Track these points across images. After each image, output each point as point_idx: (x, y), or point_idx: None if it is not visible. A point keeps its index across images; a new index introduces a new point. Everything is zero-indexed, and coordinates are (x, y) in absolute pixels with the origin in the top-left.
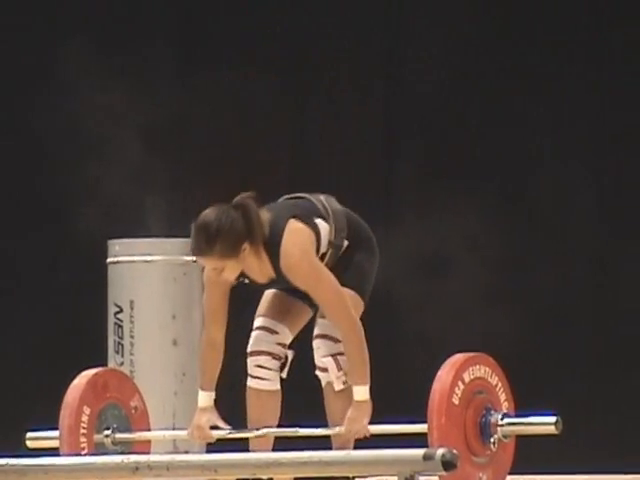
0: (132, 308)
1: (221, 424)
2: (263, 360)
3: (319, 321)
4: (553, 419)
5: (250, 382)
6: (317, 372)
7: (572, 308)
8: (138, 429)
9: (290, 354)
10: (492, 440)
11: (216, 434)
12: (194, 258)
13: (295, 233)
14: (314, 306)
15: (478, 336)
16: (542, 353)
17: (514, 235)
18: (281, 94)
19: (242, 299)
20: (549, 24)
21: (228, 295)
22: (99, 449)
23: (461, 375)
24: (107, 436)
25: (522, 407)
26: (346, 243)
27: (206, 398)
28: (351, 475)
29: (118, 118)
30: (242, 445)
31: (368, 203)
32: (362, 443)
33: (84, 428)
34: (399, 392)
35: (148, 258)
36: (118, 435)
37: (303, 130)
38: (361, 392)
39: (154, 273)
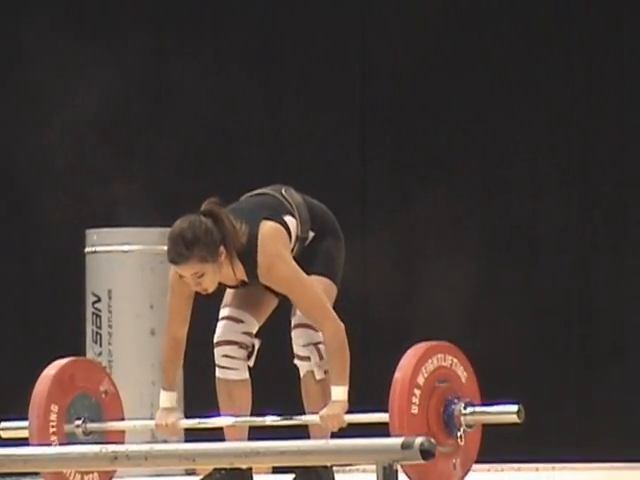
0: (110, 297)
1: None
2: (229, 349)
3: (298, 311)
4: (515, 408)
5: (218, 373)
6: (296, 361)
7: (545, 300)
8: (111, 414)
9: (257, 342)
10: (458, 431)
11: (184, 423)
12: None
13: (269, 239)
14: (279, 294)
15: (454, 326)
16: (517, 345)
17: (489, 227)
18: (256, 90)
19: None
20: (521, 13)
21: (192, 299)
22: (71, 439)
23: (423, 364)
24: (78, 426)
25: (495, 397)
26: (312, 234)
27: (170, 398)
28: (329, 464)
29: (92, 108)
30: (220, 435)
31: (343, 199)
32: (340, 432)
33: (53, 426)
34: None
35: (126, 248)
36: (89, 425)
37: (278, 122)
38: (339, 392)
39: (132, 263)
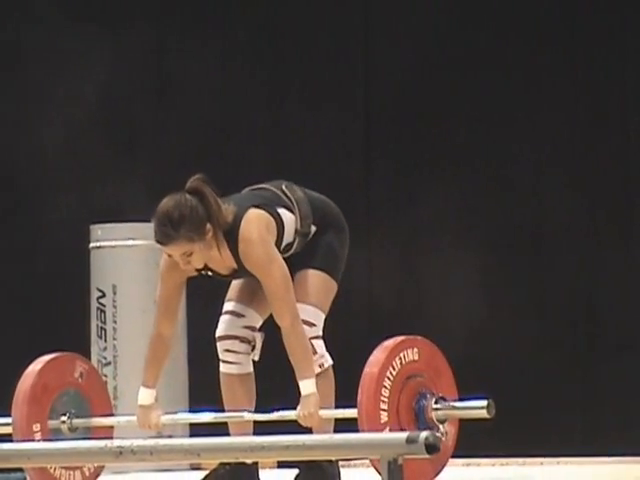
0: (115, 293)
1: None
2: (231, 344)
3: None
4: (484, 403)
5: (222, 367)
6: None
7: (549, 294)
8: (94, 397)
9: (260, 336)
10: (439, 428)
11: (166, 419)
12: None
13: (253, 220)
14: None
15: (458, 321)
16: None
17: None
18: (259, 88)
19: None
20: (524, 11)
21: (183, 290)
22: (57, 436)
23: (394, 358)
24: (63, 422)
25: (500, 395)
26: (314, 229)
27: (150, 395)
28: (334, 458)
29: (95, 104)
30: (225, 430)
31: (347, 197)
32: (345, 427)
33: (37, 429)
34: None
35: (130, 243)
36: (75, 420)
37: (281, 120)
38: (307, 386)
39: (136, 257)
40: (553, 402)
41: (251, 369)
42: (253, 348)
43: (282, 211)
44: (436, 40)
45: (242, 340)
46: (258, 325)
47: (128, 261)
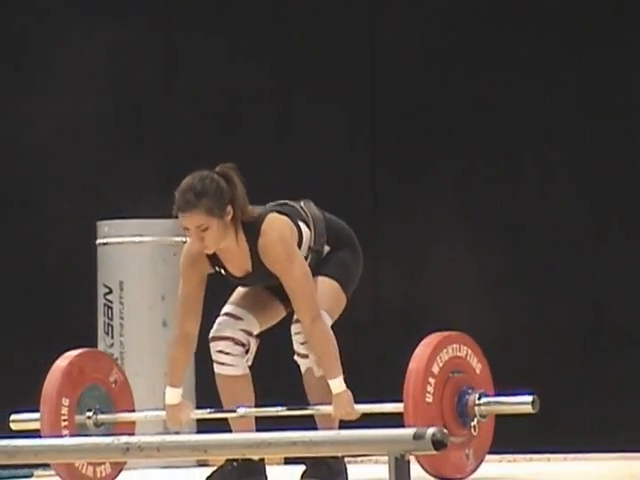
0: (122, 289)
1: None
2: (223, 345)
3: None
4: (530, 398)
5: (215, 368)
6: (296, 358)
7: (557, 290)
8: (121, 405)
9: (254, 342)
10: (471, 422)
11: (196, 414)
12: (184, 239)
13: (277, 220)
14: (289, 305)
15: (466, 318)
16: (530, 335)
17: (499, 217)
18: (266, 82)
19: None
20: (535, 4)
21: (204, 288)
22: (82, 431)
23: (438, 354)
24: (89, 417)
25: (507, 388)
26: (327, 249)
27: (177, 395)
28: (340, 455)
29: (102, 98)
30: (229, 428)
31: (354, 189)
32: (351, 423)
33: (65, 419)
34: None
35: (137, 239)
36: (100, 416)
37: (288, 115)
38: (337, 385)
39: (143, 254)
40: (560, 398)
41: (247, 371)
42: (247, 352)
43: (302, 225)
44: (444, 34)
45: (237, 342)
46: (255, 332)
47: (135, 257)
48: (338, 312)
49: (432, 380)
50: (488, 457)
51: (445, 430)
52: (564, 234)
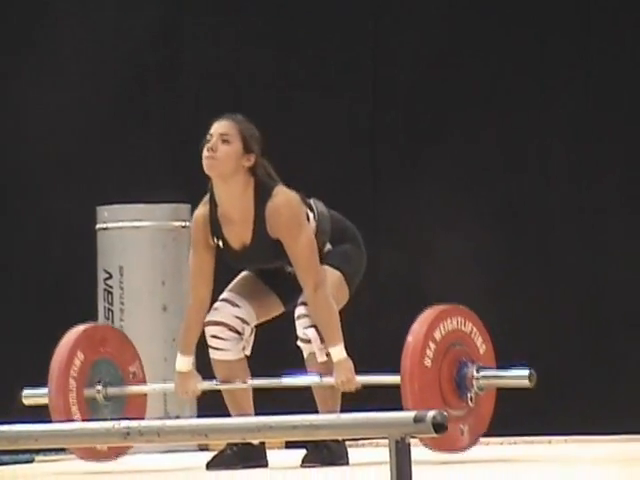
0: (122, 274)
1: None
2: (217, 330)
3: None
4: (526, 372)
5: (210, 353)
6: (299, 343)
7: (562, 272)
8: (134, 396)
9: (249, 330)
10: (469, 393)
11: (203, 386)
12: (183, 223)
13: (289, 191)
14: (287, 302)
15: (465, 301)
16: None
17: (500, 193)
18: (269, 68)
19: None
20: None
21: (214, 254)
22: (92, 406)
23: (436, 327)
24: (99, 392)
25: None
26: (329, 247)
27: (187, 362)
28: (341, 438)
29: (104, 83)
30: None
31: (355, 179)
32: (352, 406)
33: (75, 371)
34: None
35: (137, 224)
36: (110, 389)
37: (290, 100)
38: (337, 352)
39: (143, 239)
40: (561, 380)
41: (242, 356)
42: (242, 339)
43: (309, 213)
44: (447, 26)
45: (230, 329)
46: (250, 321)
47: (135, 242)
48: (340, 303)
49: (433, 345)
50: (489, 440)
51: (445, 413)
52: (563, 215)
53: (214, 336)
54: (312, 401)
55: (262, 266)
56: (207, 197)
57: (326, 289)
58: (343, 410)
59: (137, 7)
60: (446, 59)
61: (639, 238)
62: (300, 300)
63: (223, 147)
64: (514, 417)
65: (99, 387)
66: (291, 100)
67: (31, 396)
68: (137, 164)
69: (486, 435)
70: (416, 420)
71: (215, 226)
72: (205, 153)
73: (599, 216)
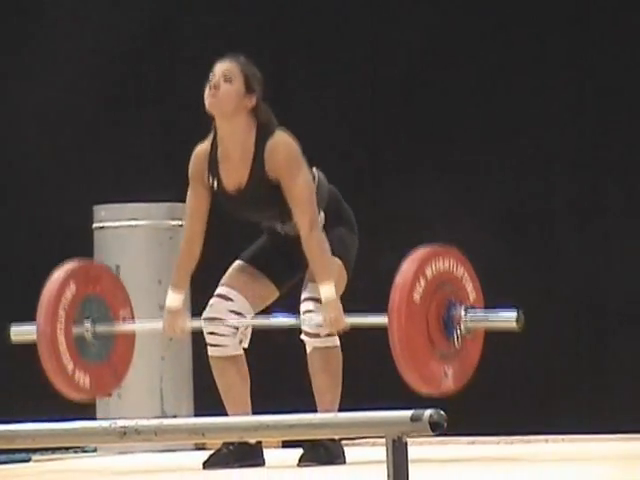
0: (118, 273)
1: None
2: (213, 327)
3: (309, 285)
4: (514, 314)
5: (209, 350)
6: (303, 336)
7: (560, 270)
8: (121, 318)
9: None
10: (456, 334)
11: (192, 325)
12: (180, 222)
13: (289, 136)
14: (281, 286)
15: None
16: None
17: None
18: (267, 59)
19: None
20: None
21: (210, 197)
22: (80, 343)
23: (424, 268)
24: (87, 330)
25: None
26: (322, 215)
27: (178, 300)
28: (337, 437)
29: (101, 80)
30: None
31: (354, 171)
32: (349, 405)
33: (65, 303)
34: None
35: (133, 223)
36: (99, 327)
37: (288, 92)
38: (327, 290)
39: (140, 238)
40: (558, 379)
41: (240, 352)
42: (238, 332)
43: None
44: (447, 26)
45: (226, 323)
46: (246, 313)
47: (132, 242)
48: (341, 290)
49: (422, 281)
50: (485, 439)
51: (442, 412)
52: (563, 211)
53: (211, 333)
54: (312, 401)
55: (255, 214)
56: (211, 135)
57: (319, 230)
58: (340, 409)
59: (135, 6)
60: (446, 59)
61: (639, 238)
62: (307, 295)
63: (225, 85)
64: (511, 416)
65: (88, 324)
66: (290, 100)
67: (20, 334)
68: (133, 163)
69: (483, 434)
70: (413, 419)
71: (213, 164)
72: (207, 92)
73: (599, 216)
